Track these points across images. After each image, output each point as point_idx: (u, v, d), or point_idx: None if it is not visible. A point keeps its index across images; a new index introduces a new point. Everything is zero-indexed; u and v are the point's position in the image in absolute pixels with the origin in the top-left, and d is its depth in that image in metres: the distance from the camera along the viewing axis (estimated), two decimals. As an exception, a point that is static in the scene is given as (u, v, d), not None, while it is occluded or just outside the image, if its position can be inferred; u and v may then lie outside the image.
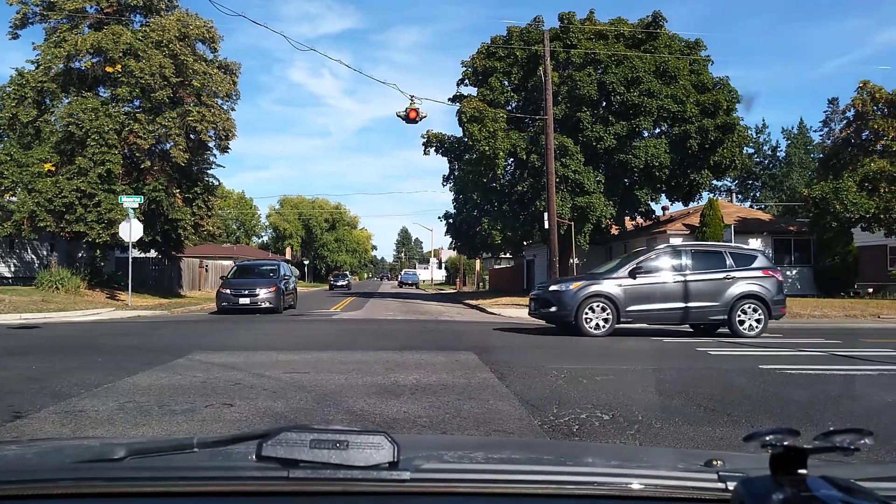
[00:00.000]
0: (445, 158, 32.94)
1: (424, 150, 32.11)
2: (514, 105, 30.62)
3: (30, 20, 25.09)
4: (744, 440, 1.01)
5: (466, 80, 31.71)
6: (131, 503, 1.08)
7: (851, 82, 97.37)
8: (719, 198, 36.96)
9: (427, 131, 31.87)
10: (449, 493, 1.08)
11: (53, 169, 23.59)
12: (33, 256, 28.61)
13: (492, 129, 26.82)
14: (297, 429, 1.05)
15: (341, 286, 54.23)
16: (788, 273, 28.78)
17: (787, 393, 6.78)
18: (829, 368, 8.65)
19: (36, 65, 24.54)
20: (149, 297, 25.68)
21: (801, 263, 28.69)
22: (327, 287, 57.85)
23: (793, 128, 64.06)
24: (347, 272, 70.13)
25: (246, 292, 19.50)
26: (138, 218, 22.28)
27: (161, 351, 9.68)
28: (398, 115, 19.22)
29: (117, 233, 22.51)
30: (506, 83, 30.21)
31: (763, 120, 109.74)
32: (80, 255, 26.55)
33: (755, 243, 28.71)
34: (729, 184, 53.43)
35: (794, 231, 29.33)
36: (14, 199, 23.59)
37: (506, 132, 27.61)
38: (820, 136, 58.26)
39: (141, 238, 23.16)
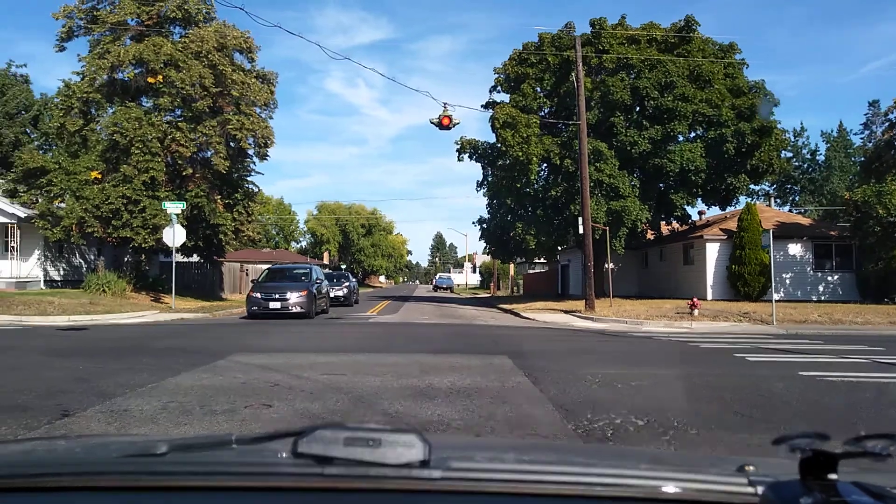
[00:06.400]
0: (479, 164, 32.98)
1: (458, 157, 32.19)
2: (546, 111, 30.53)
3: (75, 33, 25.83)
4: (772, 444, 1.03)
5: (499, 87, 31.74)
6: (173, 497, 1.12)
7: (893, 84, 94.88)
8: (757, 202, 36.17)
9: (461, 138, 31.97)
10: (479, 492, 1.08)
11: (100, 176, 24.25)
12: (81, 261, 29.48)
13: (525, 135, 26.80)
14: (331, 427, 1.07)
15: (336, 298, 27.20)
16: (829, 279, 28.11)
17: (828, 400, 6.66)
18: (871, 376, 8.46)
19: (81, 76, 25.26)
20: (191, 300, 26.19)
21: (842, 269, 27.96)
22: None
23: (832, 131, 62.55)
24: (349, 272, 38.96)
25: (276, 296, 19.06)
26: (181, 223, 22.76)
27: (203, 352, 9.88)
28: (432, 122, 19.35)
29: (161, 238, 23.04)
30: (538, 89, 30.14)
31: (801, 123, 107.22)
32: (125, 259, 27.24)
33: (795, 248, 28.13)
34: (767, 188, 52.33)
35: (835, 236, 28.60)
36: (63, 205, 24.33)
37: (539, 137, 27.55)
38: (861, 139, 56.59)
39: (184, 243, 23.62)
